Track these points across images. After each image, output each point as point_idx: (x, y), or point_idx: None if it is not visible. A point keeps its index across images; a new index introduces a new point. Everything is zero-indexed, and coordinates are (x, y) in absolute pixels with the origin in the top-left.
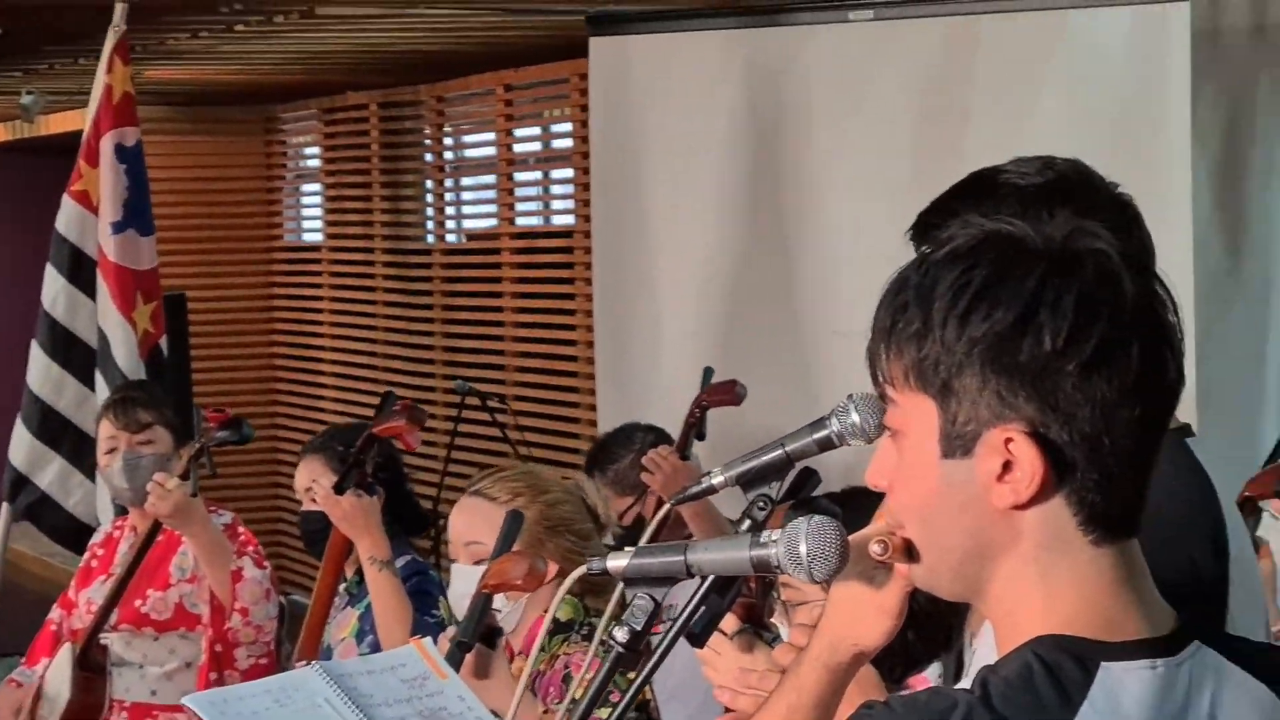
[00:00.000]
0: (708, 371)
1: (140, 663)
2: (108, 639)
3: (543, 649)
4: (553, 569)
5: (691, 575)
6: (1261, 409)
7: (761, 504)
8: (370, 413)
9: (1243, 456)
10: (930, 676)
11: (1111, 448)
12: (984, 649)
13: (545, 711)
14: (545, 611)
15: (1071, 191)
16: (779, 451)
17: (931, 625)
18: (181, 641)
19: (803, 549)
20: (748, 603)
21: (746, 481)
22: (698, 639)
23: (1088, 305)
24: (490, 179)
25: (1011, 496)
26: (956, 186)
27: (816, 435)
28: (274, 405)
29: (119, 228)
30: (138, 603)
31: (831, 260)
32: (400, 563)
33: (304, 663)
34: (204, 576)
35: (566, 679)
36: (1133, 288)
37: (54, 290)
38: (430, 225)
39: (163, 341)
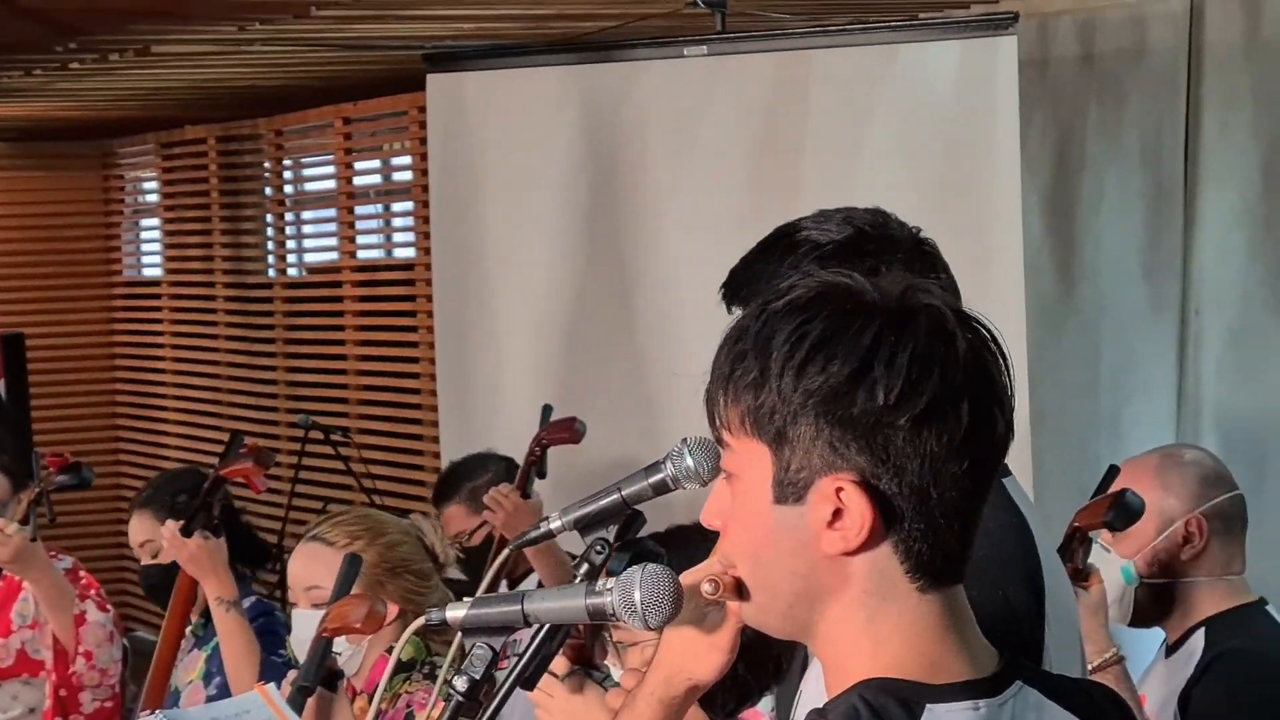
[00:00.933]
0: (546, 409)
1: None
2: None
3: (386, 688)
4: (393, 610)
5: (529, 624)
6: (1095, 434)
7: (599, 548)
8: (213, 449)
9: (1076, 482)
10: (763, 709)
11: (939, 500)
12: (812, 689)
13: None
14: (388, 651)
15: (867, 246)
16: (615, 496)
17: (761, 656)
18: (24, 688)
19: (637, 597)
20: (577, 644)
21: (584, 526)
22: (528, 682)
23: (921, 362)
24: (331, 212)
25: (841, 543)
26: (761, 244)
27: (652, 479)
28: (117, 443)
29: None
30: None
31: (670, 298)
32: (246, 603)
33: (148, 712)
34: (46, 622)
35: (409, 718)
36: (965, 345)
37: None
38: (271, 259)
39: (0, 385)
